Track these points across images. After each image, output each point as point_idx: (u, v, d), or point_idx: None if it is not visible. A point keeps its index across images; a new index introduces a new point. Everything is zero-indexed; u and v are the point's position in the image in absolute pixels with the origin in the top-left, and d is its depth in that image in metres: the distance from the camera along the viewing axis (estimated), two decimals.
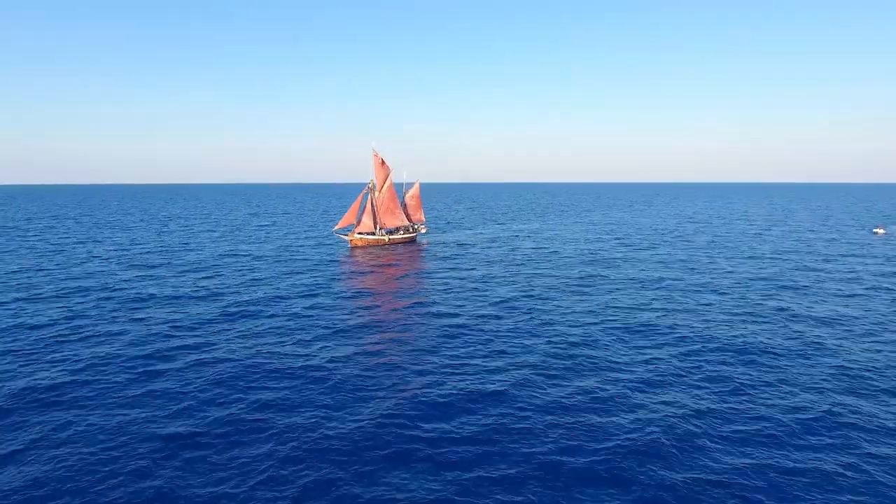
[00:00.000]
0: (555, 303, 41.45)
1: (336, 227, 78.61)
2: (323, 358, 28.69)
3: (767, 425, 21.15)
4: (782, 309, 39.24)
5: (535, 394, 24.20)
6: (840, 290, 46.19)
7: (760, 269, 56.93)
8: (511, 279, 51.11)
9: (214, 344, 30.99)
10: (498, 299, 42.40)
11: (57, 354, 29.22)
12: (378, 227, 77.65)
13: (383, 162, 77.23)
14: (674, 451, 19.25)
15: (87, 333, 33.04)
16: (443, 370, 26.98)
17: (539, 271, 55.83)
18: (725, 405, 23.03)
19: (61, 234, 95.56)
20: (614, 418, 21.81)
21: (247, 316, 37.59)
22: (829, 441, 20.04)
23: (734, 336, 32.53)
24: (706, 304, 40.72)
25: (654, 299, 42.42)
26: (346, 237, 78.23)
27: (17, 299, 41.88)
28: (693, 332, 33.48)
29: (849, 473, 17.94)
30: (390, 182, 78.36)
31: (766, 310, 39.05)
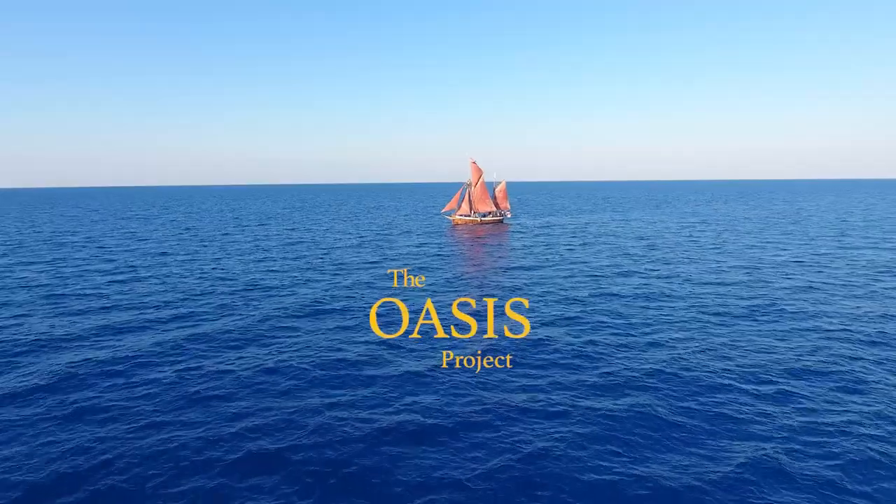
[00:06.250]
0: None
1: (443, 211, 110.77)
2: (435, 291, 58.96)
3: None
4: None
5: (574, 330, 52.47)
6: None
7: None
8: (574, 251, 78.96)
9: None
10: (559, 262, 70.60)
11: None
12: (473, 212, 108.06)
13: (477, 166, 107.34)
14: None
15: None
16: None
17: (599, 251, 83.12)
18: None
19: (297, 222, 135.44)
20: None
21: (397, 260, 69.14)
22: None
23: None
24: None
25: None
26: (449, 218, 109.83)
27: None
28: None
29: None
30: (482, 180, 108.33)
31: None
